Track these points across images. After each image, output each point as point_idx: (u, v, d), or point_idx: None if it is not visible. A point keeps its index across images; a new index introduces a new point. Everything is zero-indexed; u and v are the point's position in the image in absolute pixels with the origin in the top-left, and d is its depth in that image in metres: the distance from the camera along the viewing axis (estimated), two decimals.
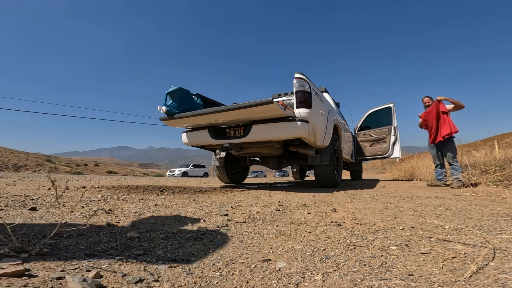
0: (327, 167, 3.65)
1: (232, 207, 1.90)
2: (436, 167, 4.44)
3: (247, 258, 0.85)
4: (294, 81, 3.08)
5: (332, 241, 1.05)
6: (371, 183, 5.60)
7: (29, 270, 0.66)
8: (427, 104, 4.52)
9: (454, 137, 4.26)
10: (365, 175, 15.69)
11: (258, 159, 4.58)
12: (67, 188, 3.02)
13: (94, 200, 2.02)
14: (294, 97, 3.12)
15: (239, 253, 0.90)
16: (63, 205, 1.73)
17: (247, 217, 1.49)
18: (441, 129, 4.08)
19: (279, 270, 0.76)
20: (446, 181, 4.25)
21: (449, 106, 4.18)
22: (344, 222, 1.40)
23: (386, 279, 0.70)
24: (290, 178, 12.25)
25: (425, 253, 0.90)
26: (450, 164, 4.16)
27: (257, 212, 1.70)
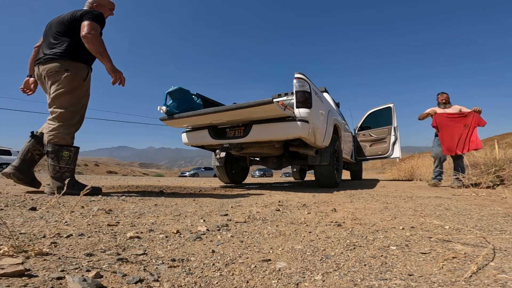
0: (327, 167, 3.66)
1: (232, 207, 1.90)
2: (436, 167, 4.42)
3: (247, 258, 0.85)
4: (294, 81, 3.08)
5: (332, 241, 1.05)
6: (371, 183, 5.61)
7: (29, 270, 0.66)
8: (443, 101, 4.38)
9: None
10: (365, 175, 15.71)
11: (258, 159, 4.59)
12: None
13: (94, 200, 2.02)
14: (294, 97, 3.12)
15: (239, 253, 0.90)
16: (63, 205, 1.73)
17: (247, 217, 1.49)
18: (472, 142, 3.92)
19: (279, 270, 0.76)
20: (440, 181, 4.24)
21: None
22: (344, 222, 1.40)
23: (386, 279, 0.70)
24: (275, 179, 12.21)
25: (425, 253, 0.90)
26: (457, 164, 4.14)
27: (257, 212, 1.70)
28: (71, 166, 2.25)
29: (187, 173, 23.20)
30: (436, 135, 4.38)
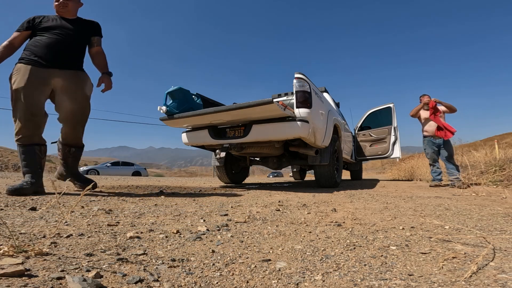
0: (327, 167, 3.65)
1: (232, 207, 1.90)
2: (433, 167, 4.44)
3: (247, 258, 0.85)
4: (294, 81, 3.08)
5: (332, 241, 1.05)
6: (371, 183, 5.60)
7: (29, 270, 0.66)
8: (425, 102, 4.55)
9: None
10: (365, 175, 15.70)
11: (258, 159, 4.59)
12: (67, 187, 3.02)
13: (94, 200, 2.02)
14: (294, 97, 3.12)
15: (239, 253, 0.90)
16: (63, 205, 1.73)
17: (247, 217, 1.49)
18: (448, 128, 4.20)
19: (279, 270, 0.76)
20: (441, 181, 4.26)
21: (442, 108, 4.27)
22: (344, 222, 1.40)
23: (386, 279, 0.70)
24: (252, 178, 11.98)
25: (425, 253, 0.90)
26: (450, 164, 4.17)
27: (257, 212, 1.70)
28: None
29: (80, 169, 17.70)
30: (425, 137, 4.45)
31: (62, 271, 0.67)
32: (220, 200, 2.32)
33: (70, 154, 2.55)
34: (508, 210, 1.75)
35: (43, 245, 0.84)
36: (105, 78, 2.54)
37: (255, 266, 0.78)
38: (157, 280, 0.66)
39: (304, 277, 0.71)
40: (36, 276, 0.63)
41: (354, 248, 0.96)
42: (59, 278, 0.63)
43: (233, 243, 1.01)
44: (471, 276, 0.71)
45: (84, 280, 0.60)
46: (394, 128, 6.15)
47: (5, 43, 2.28)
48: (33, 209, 1.53)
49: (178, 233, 1.11)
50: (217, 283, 0.67)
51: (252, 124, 3.21)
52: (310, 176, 12.07)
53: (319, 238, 1.09)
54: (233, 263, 0.80)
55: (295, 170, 8.35)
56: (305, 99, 3.06)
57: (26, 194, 2.12)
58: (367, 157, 6.51)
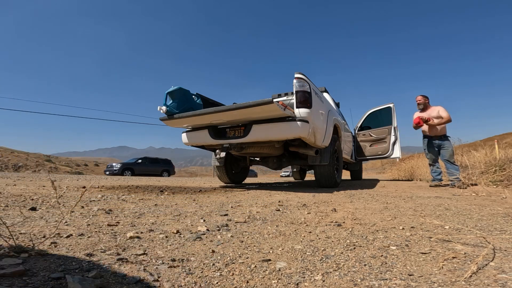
0: (327, 167, 3.65)
1: (232, 207, 1.90)
2: (433, 166, 4.44)
3: (247, 258, 0.85)
4: (294, 81, 3.08)
5: (332, 241, 1.05)
6: (371, 183, 5.60)
7: (29, 270, 0.66)
8: (419, 102, 4.54)
9: (450, 136, 4.31)
10: (365, 175, 15.70)
11: (258, 159, 4.58)
12: (67, 187, 3.02)
13: (94, 200, 2.02)
14: (294, 97, 3.12)
15: (239, 253, 0.90)
16: (63, 205, 1.73)
17: (247, 217, 1.49)
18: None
19: (279, 270, 0.76)
20: (441, 181, 4.26)
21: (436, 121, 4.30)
22: (344, 222, 1.40)
23: (386, 279, 0.70)
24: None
25: (425, 253, 0.90)
26: (450, 164, 4.17)
27: (257, 212, 1.70)
28: None
29: None
30: (425, 137, 4.46)
31: (62, 271, 0.67)
32: (220, 200, 2.32)
33: None
34: (508, 210, 1.75)
35: (43, 245, 0.84)
36: None
37: (255, 266, 0.78)
38: (157, 280, 0.66)
39: (304, 277, 0.71)
40: (36, 276, 0.63)
41: (354, 248, 0.96)
42: (59, 278, 0.63)
43: (233, 243, 1.01)
44: (471, 276, 0.71)
45: (84, 280, 0.60)
46: (394, 128, 6.14)
47: None
48: (33, 209, 1.53)
49: (178, 233, 1.11)
50: (217, 283, 0.67)
51: (252, 124, 3.21)
52: (310, 176, 12.06)
53: (319, 238, 1.09)
54: (233, 263, 0.80)
55: (295, 170, 8.35)
56: (305, 99, 3.06)
57: None
58: (367, 157, 6.50)
